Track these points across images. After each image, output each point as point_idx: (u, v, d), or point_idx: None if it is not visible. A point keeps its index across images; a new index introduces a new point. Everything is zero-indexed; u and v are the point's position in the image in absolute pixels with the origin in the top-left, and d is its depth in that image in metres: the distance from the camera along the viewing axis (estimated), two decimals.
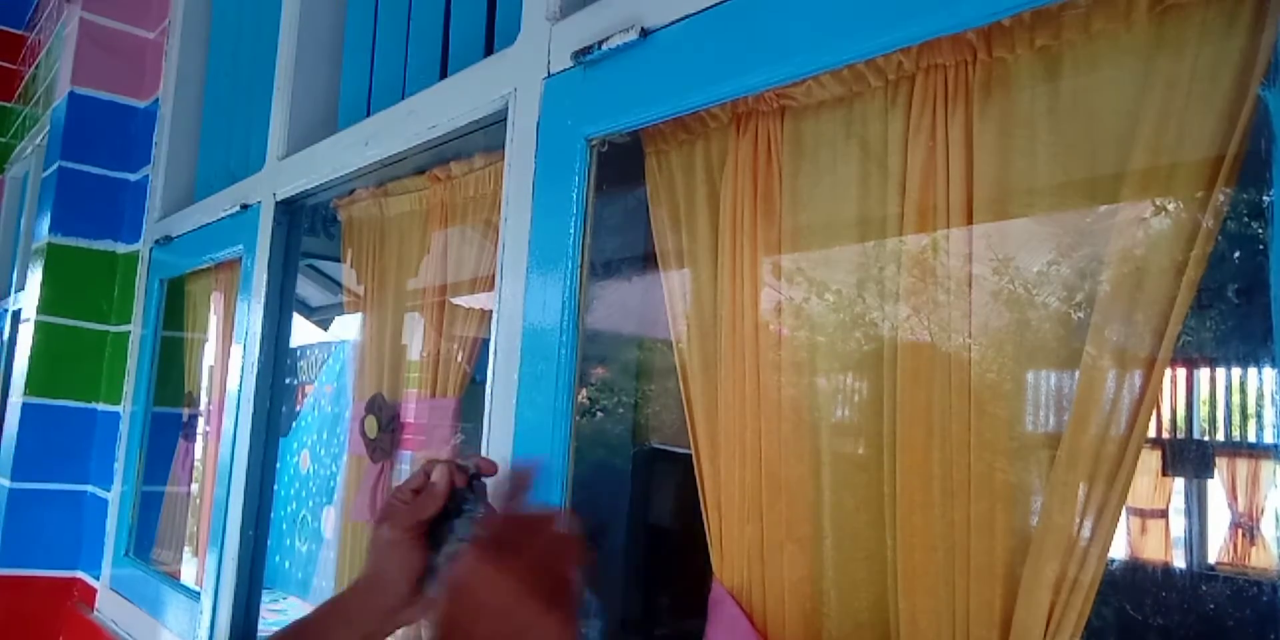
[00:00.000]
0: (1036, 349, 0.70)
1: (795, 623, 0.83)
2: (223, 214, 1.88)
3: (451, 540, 0.69)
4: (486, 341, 1.10)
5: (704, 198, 0.96)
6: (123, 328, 2.42)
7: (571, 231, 0.97)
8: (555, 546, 0.60)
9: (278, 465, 1.71)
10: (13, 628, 2.31)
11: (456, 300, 1.48)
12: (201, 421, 2.20)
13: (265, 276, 1.66)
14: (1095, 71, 0.68)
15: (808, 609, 0.83)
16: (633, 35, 0.90)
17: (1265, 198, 0.55)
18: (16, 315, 2.81)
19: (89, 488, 2.42)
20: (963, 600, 0.70)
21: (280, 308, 1.69)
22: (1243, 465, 3.44)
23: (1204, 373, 3.16)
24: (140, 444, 2.23)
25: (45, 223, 2.44)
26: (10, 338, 2.97)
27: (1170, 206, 0.62)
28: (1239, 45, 0.59)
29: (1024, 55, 0.71)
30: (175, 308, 2.28)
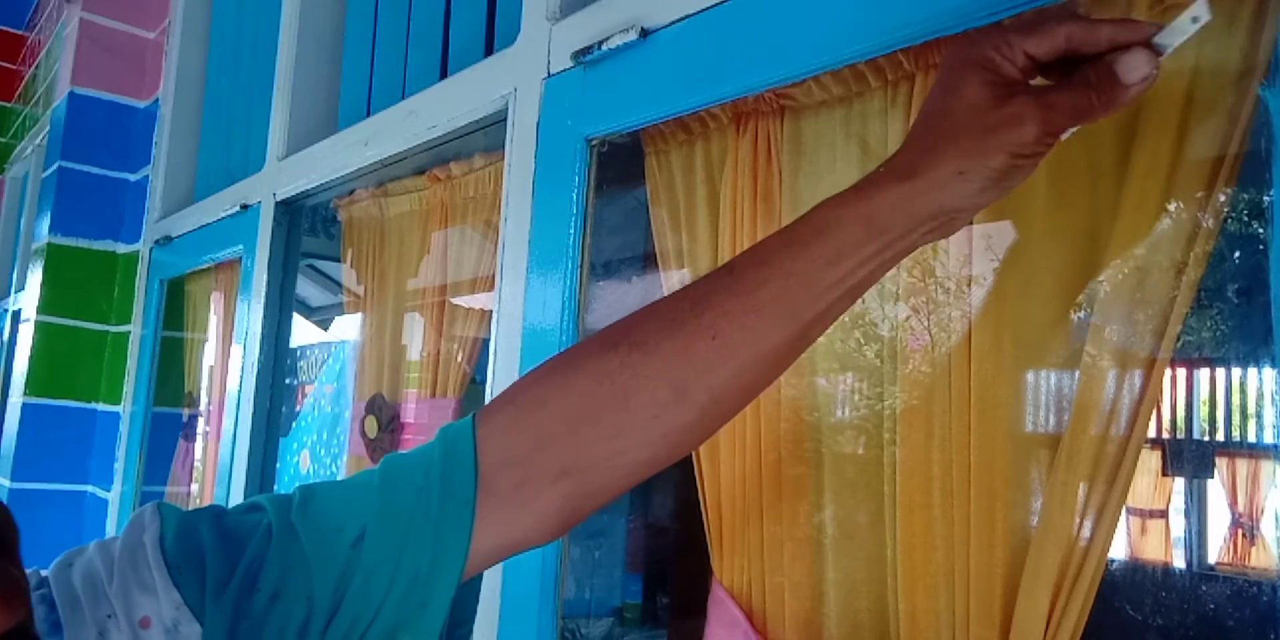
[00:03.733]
0: (1036, 349, 0.70)
1: (795, 623, 0.83)
2: (223, 214, 1.88)
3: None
4: (486, 341, 1.10)
5: (704, 198, 0.96)
6: (123, 328, 2.42)
7: (571, 231, 0.97)
8: None
9: (278, 465, 1.71)
10: None
11: (456, 300, 1.48)
12: (201, 421, 2.20)
13: (265, 276, 1.66)
14: None
15: (808, 609, 0.83)
16: (633, 35, 0.90)
17: (1265, 198, 0.55)
18: (16, 315, 2.81)
19: (89, 488, 2.42)
20: (962, 600, 0.70)
21: (280, 308, 1.69)
22: (1243, 465, 3.44)
23: (1204, 373, 3.16)
24: (140, 444, 2.23)
25: (45, 223, 2.44)
26: (10, 338, 2.97)
27: (1170, 206, 0.62)
28: (1239, 45, 0.59)
29: None
30: (175, 308, 2.28)
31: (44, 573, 0.51)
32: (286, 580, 0.50)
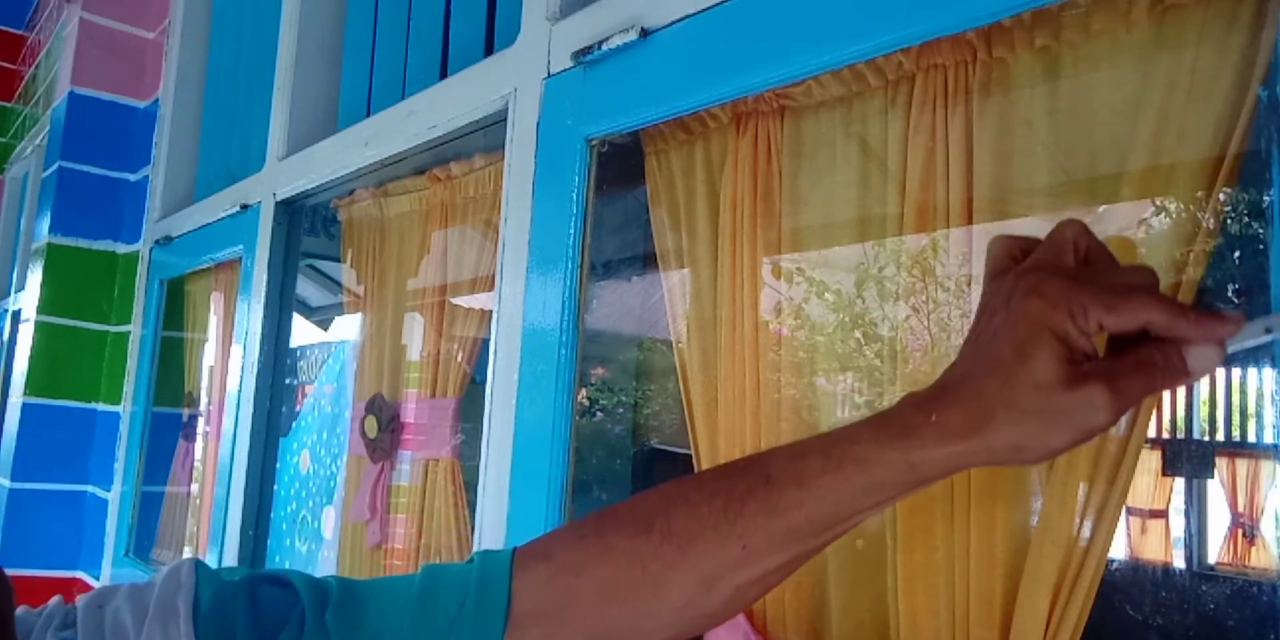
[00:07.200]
0: None
1: (795, 622, 0.83)
2: (223, 214, 1.88)
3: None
4: (486, 341, 1.10)
5: (704, 198, 0.96)
6: (123, 328, 2.41)
7: (571, 231, 0.97)
8: None
9: (278, 465, 1.71)
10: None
11: (456, 300, 1.48)
12: (201, 421, 2.20)
13: (265, 276, 1.66)
14: (1095, 71, 0.68)
15: (808, 609, 0.83)
16: (633, 35, 0.90)
17: (1265, 198, 0.55)
18: (16, 315, 2.81)
19: (89, 488, 2.42)
20: (963, 600, 0.70)
21: (280, 308, 1.69)
22: (1243, 465, 3.44)
23: None
24: (140, 444, 2.23)
25: (45, 223, 2.44)
26: (10, 338, 2.97)
27: (1170, 206, 0.62)
28: (1239, 45, 0.59)
29: (1024, 55, 0.71)
30: (175, 308, 2.28)
31: (70, 605, 0.51)
32: None
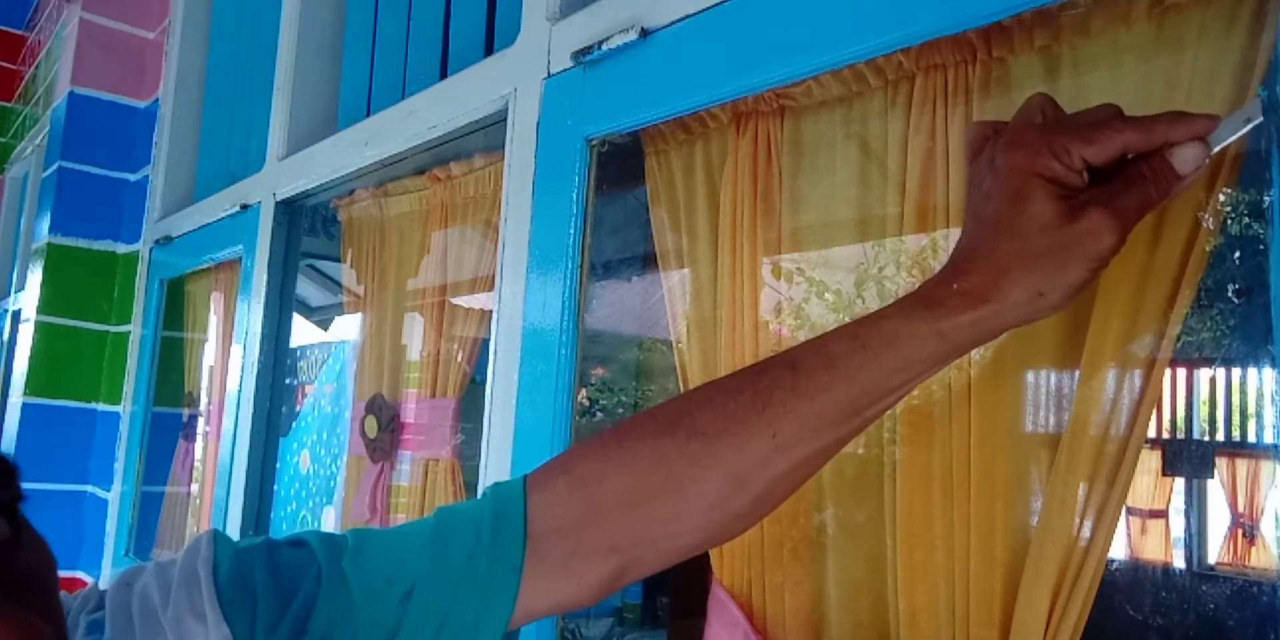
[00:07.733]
0: (1036, 349, 0.70)
1: (795, 622, 0.83)
2: (223, 214, 1.88)
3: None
4: (486, 341, 1.10)
5: (704, 198, 0.96)
6: (123, 328, 2.42)
7: (571, 231, 0.97)
8: None
9: (278, 465, 1.71)
10: None
11: (456, 300, 1.48)
12: (201, 421, 2.20)
13: (265, 276, 1.66)
14: (1095, 71, 0.68)
15: (808, 609, 0.83)
16: (633, 35, 0.90)
17: (1265, 198, 0.55)
18: (16, 315, 2.81)
19: (89, 488, 2.42)
20: (962, 600, 0.70)
21: (280, 308, 1.69)
22: (1243, 465, 3.44)
23: (1204, 373, 3.16)
24: (140, 444, 2.23)
25: (45, 223, 2.44)
26: (10, 338, 2.97)
27: (1170, 206, 0.62)
28: (1239, 45, 0.59)
29: (1024, 55, 0.71)
30: (175, 308, 2.28)
31: (103, 588, 0.52)
32: (335, 627, 0.51)
